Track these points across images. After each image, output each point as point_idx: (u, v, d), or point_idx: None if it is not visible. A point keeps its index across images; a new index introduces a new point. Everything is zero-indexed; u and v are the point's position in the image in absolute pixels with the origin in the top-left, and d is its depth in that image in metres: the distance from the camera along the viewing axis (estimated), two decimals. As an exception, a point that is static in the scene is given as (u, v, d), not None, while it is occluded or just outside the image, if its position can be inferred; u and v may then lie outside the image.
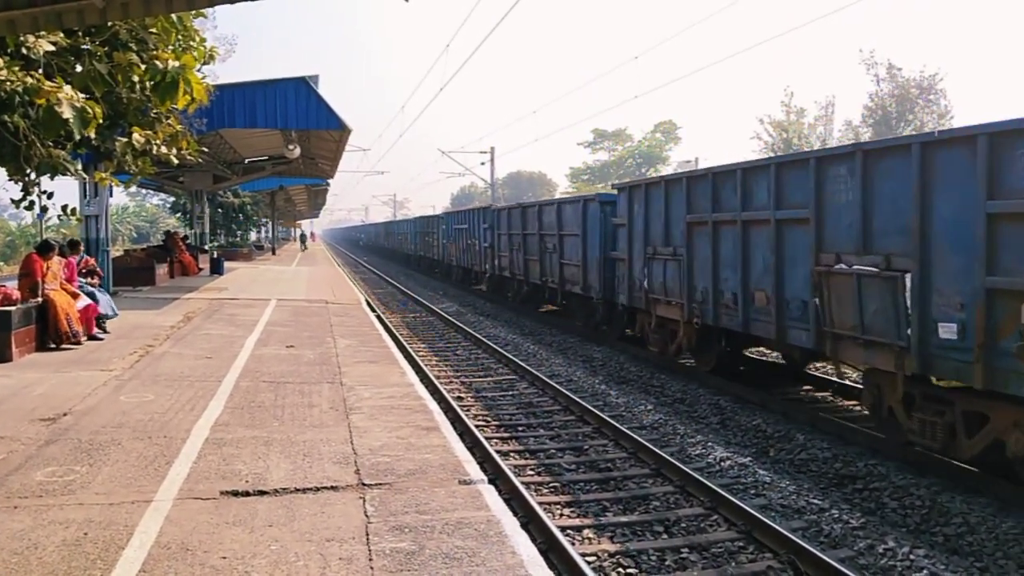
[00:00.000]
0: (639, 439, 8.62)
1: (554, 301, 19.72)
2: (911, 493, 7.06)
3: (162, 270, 22.40)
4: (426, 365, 13.41)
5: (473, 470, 5.67)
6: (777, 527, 6.09)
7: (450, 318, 20.30)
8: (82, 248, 13.34)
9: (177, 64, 6.23)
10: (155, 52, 7.71)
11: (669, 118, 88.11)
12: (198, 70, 7.25)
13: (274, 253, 47.42)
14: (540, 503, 6.76)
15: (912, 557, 5.81)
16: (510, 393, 11.65)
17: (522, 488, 6.87)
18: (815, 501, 7.05)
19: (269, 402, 7.61)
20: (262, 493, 5.05)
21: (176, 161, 9.70)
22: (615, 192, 15.06)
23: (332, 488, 5.16)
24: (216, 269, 26.80)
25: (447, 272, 34.57)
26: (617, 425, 9.26)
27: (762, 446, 8.92)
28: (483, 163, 49.80)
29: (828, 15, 42.84)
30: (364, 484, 5.26)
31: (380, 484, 5.26)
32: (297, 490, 5.11)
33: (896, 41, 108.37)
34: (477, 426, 9.42)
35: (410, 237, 46.91)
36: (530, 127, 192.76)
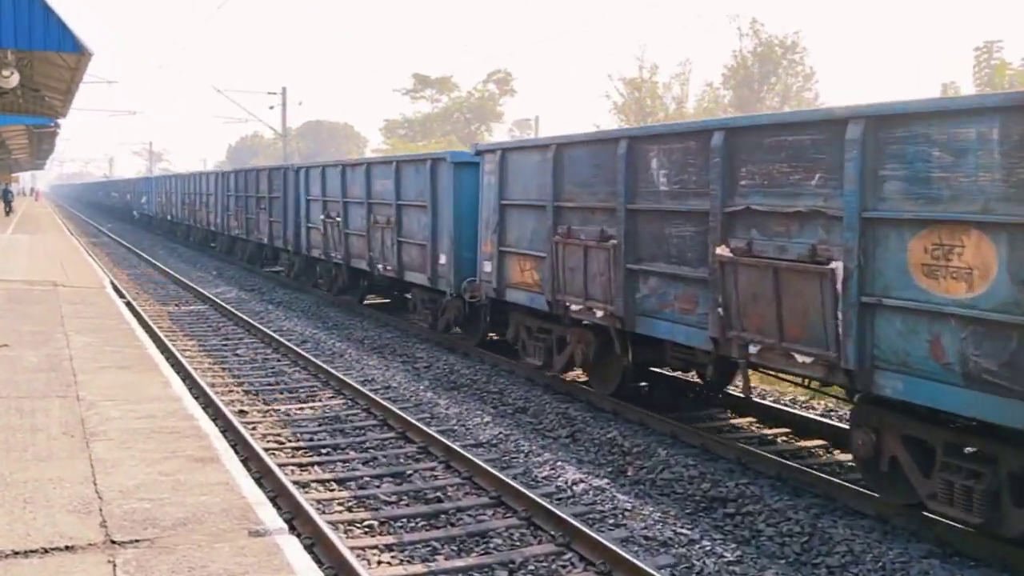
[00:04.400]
0: (475, 460, 8.61)
1: (386, 292, 18.74)
2: (789, 517, 7.47)
3: None
4: (197, 371, 12.71)
5: (267, 515, 5.35)
6: (642, 565, 6.22)
7: (228, 307, 19.45)
8: None
9: None
10: None
11: (504, 67, 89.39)
12: None
13: (-19, 216, 43.34)
14: (352, 548, 6.52)
15: (794, 594, 6.13)
16: (309, 406, 11.28)
17: (328, 531, 6.62)
18: (683, 530, 7.29)
19: (-28, 427, 6.81)
20: (-39, 561, 4.44)
21: None
22: (472, 152, 13.80)
23: (67, 548, 4.69)
24: None
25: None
26: (447, 442, 9.22)
27: (619, 464, 9.15)
28: (272, 107, 48.18)
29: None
30: (114, 542, 4.82)
31: (137, 541, 4.83)
32: (16, 553, 4.59)
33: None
34: (268, 450, 9.00)
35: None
36: (334, 69, 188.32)
